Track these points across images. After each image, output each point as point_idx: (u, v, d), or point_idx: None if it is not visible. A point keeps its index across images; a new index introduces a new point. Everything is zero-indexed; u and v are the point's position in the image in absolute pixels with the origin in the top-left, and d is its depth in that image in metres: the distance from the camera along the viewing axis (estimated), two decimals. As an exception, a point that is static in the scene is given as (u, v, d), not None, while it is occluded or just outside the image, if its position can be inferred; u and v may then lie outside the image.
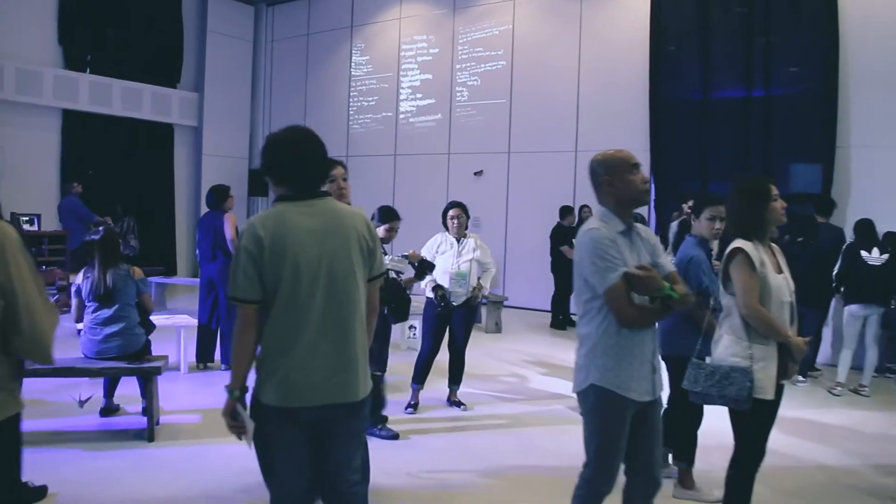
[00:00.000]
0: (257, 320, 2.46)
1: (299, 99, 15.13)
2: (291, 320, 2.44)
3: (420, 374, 5.79)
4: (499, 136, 12.18)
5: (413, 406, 5.79)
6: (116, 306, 4.88)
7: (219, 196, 7.25)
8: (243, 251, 2.43)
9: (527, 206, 11.80)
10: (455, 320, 5.78)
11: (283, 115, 15.46)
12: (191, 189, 15.14)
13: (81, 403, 5.18)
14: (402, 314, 4.84)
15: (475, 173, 12.43)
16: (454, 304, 5.69)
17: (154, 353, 5.26)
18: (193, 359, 7.09)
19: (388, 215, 5.10)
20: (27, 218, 9.78)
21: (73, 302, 4.95)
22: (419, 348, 5.94)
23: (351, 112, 14.32)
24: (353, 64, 14.34)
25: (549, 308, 10.46)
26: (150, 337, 5.27)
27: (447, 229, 5.87)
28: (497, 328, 9.59)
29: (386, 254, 4.96)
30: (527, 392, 6.68)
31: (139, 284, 5.01)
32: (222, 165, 15.20)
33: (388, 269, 4.71)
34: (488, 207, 12.16)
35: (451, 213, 5.81)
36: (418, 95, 13.31)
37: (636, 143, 10.30)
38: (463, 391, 6.15)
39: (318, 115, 14.71)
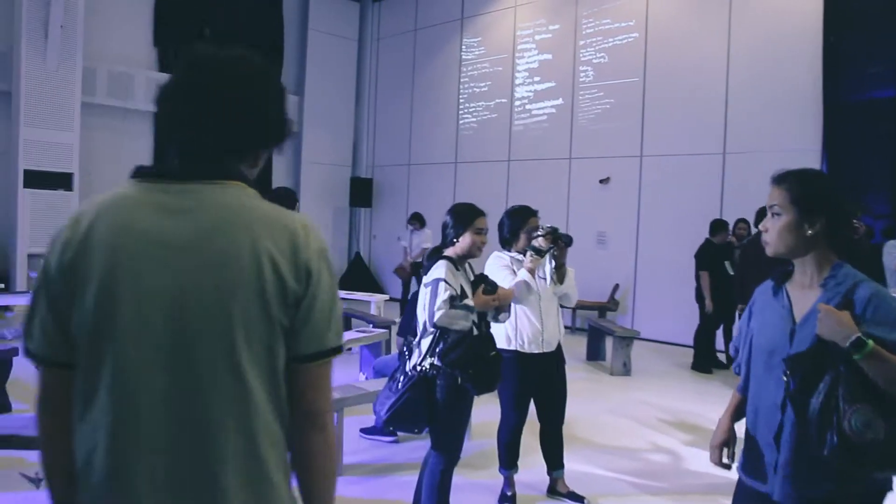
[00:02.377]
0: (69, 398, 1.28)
1: (405, 101, 13.81)
2: (98, 410, 1.24)
3: (509, 455, 4.10)
4: (628, 136, 10.26)
5: (511, 500, 4.10)
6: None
7: (289, 202, 5.87)
8: (40, 271, 1.31)
9: (663, 220, 9.81)
10: (545, 376, 4.05)
11: (388, 119, 14.22)
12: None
13: (38, 482, 3.79)
14: (486, 381, 3.23)
15: (601, 181, 10.58)
16: (535, 351, 3.97)
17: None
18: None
19: (467, 215, 3.47)
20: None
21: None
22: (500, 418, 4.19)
23: (461, 100, 12.72)
24: (463, 46, 12.80)
25: (690, 344, 8.48)
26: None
27: (512, 244, 4.07)
28: (625, 369, 7.74)
29: (472, 283, 3.38)
30: (669, 474, 4.83)
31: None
32: (323, 173, 14.13)
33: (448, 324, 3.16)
34: (615, 220, 10.30)
35: (532, 221, 4.05)
36: (536, 78, 11.55)
37: (805, 146, 8.26)
38: (575, 471, 4.42)
39: (426, 116, 13.34)
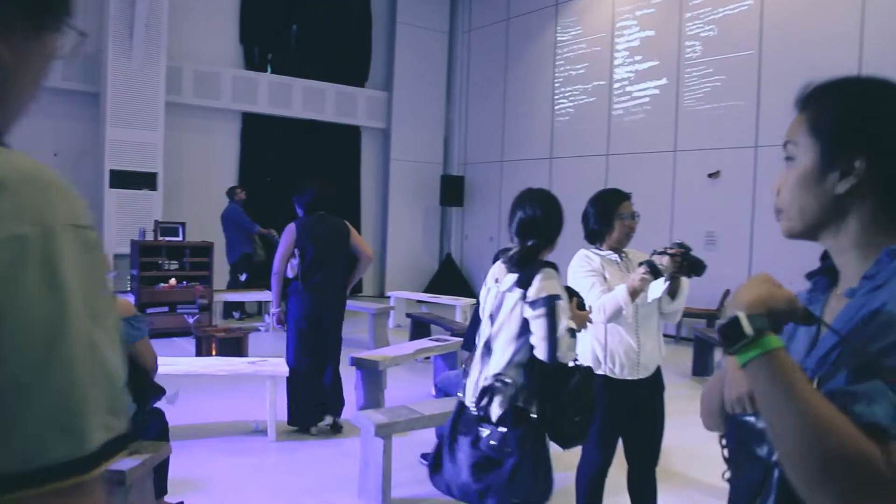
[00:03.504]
0: None
1: (498, 93, 13.10)
2: None
3: (590, 501, 3.33)
4: (741, 122, 9.15)
5: (587, 552, 3.34)
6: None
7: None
8: None
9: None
10: (639, 407, 3.21)
11: (480, 114, 13.56)
12: (378, 197, 13.73)
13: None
14: (577, 433, 2.59)
15: (710, 175, 9.54)
16: (629, 377, 3.15)
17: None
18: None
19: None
20: (172, 227, 8.66)
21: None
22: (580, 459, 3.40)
23: (556, 84, 11.82)
24: (558, 28, 11.91)
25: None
26: (161, 408, 3.42)
27: (603, 238, 3.24)
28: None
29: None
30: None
31: (124, 327, 3.10)
32: (412, 171, 13.62)
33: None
34: (726, 219, 9.24)
35: (624, 205, 3.25)
36: (637, 58, 10.53)
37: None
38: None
39: (519, 109, 12.59)
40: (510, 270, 2.66)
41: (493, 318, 2.67)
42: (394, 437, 3.75)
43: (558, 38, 11.90)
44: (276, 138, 12.26)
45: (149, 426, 3.23)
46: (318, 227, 5.07)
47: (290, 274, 5.04)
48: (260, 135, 12.13)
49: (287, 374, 4.93)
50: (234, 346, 6.75)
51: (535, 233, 2.71)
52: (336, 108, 12.87)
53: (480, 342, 2.74)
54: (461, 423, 2.63)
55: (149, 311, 8.28)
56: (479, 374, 2.63)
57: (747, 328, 0.96)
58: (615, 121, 10.84)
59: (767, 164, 8.87)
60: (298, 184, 5.34)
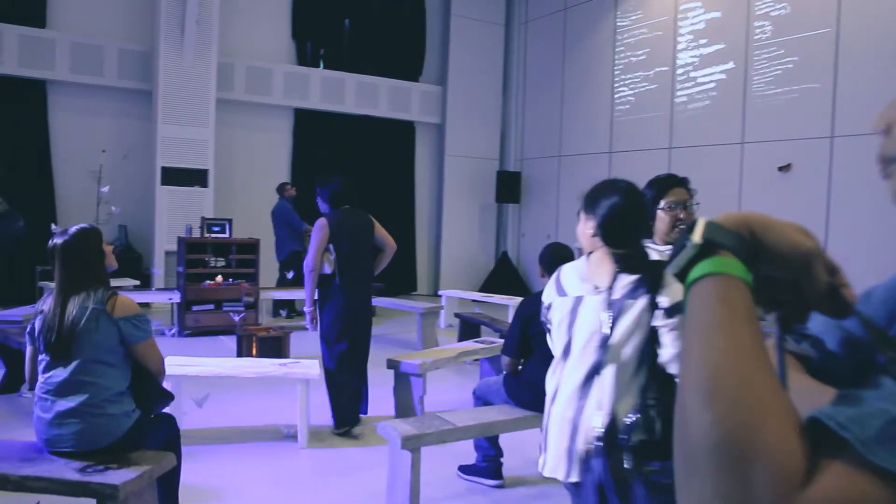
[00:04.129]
0: None
1: (555, 86, 12.64)
2: None
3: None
4: (815, 109, 8.47)
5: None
6: (75, 364, 2.79)
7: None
8: None
9: (859, 215, 7.99)
10: None
11: (537, 108, 13.13)
12: (433, 194, 13.45)
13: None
14: None
15: (780, 168, 8.90)
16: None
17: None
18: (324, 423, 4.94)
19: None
20: (219, 224, 8.53)
21: (27, 352, 2.96)
22: None
23: (616, 72, 11.25)
24: (618, 13, 11.34)
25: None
26: (171, 414, 3.17)
27: (651, 233, 2.73)
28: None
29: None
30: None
31: (125, 327, 2.86)
32: (468, 167, 13.29)
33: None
34: (799, 216, 8.55)
35: (674, 192, 2.80)
36: (702, 41, 9.87)
37: None
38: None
39: (578, 101, 12.10)
40: (624, 272, 2.22)
41: (601, 330, 2.21)
42: (430, 446, 3.43)
43: (618, 24, 11.36)
44: (329, 134, 12.10)
45: (154, 434, 2.98)
46: (347, 220, 4.86)
47: (328, 270, 4.75)
48: (312, 131, 11.99)
49: (319, 376, 4.65)
50: (275, 346, 6.52)
51: (647, 229, 2.31)
52: (389, 104, 12.63)
53: (575, 363, 2.27)
54: (617, 472, 2.09)
55: (194, 308, 8.17)
56: (602, 405, 2.13)
57: (696, 235, 0.66)
58: (678, 108, 10.24)
59: (844, 157, 8.22)
60: (322, 178, 5.07)
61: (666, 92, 10.40)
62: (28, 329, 2.88)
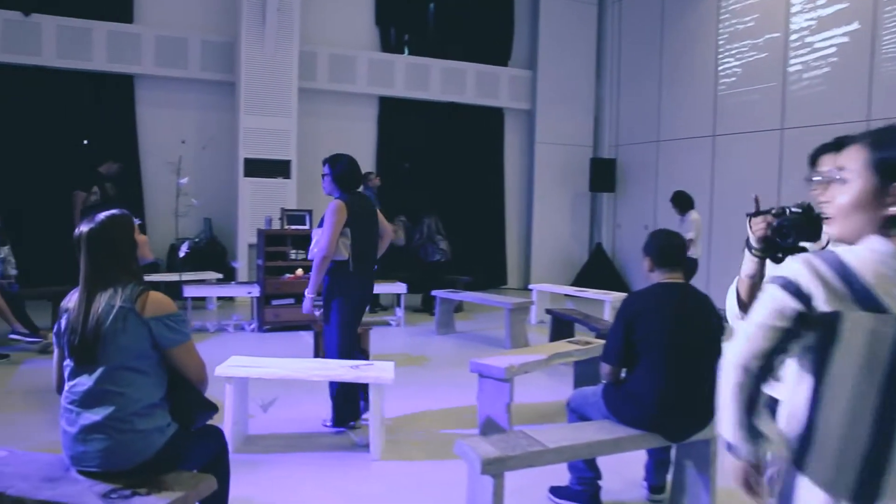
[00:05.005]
0: None
1: (653, 66, 11.80)
2: None
3: None
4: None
5: None
6: (100, 371, 2.40)
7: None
8: None
9: None
10: None
11: (634, 90, 12.32)
12: (523, 183, 12.86)
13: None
14: None
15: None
16: None
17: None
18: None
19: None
20: (298, 215, 8.22)
21: (55, 355, 2.58)
22: None
23: (721, 42, 10.22)
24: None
25: None
26: (217, 427, 2.75)
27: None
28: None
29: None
30: None
31: (157, 328, 2.44)
32: (559, 154, 12.64)
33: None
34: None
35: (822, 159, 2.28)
36: (820, 2, 8.89)
37: None
38: None
39: (678, 81, 11.24)
40: None
41: None
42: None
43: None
44: (414, 123, 11.70)
45: (195, 452, 2.56)
46: (359, 204, 4.51)
47: (344, 256, 4.37)
48: (397, 119, 11.62)
49: (393, 380, 4.18)
50: (353, 344, 6.12)
51: None
52: (477, 90, 12.12)
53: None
54: None
55: (274, 302, 7.90)
56: None
57: None
58: (791, 79, 9.21)
59: None
60: (330, 158, 4.63)
61: (777, 62, 9.41)
62: (55, 329, 2.52)
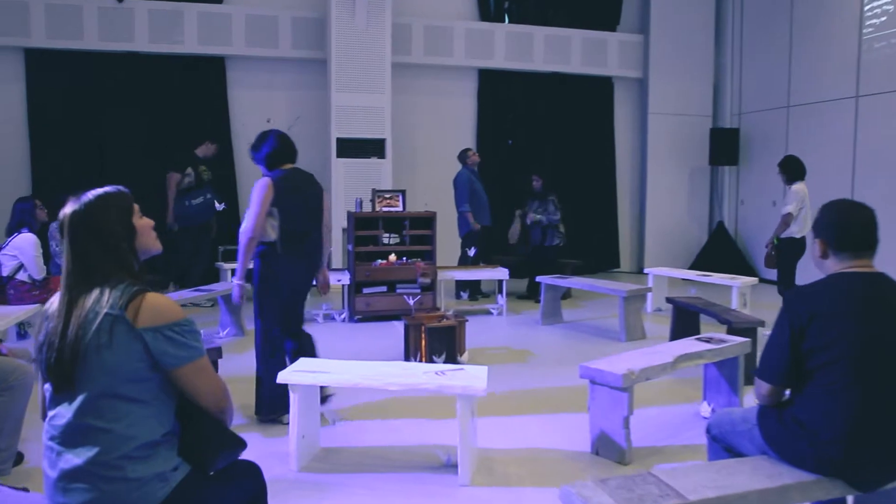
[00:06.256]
0: None
1: (781, 24, 10.50)
2: None
3: None
4: None
5: None
6: (80, 400, 1.82)
7: None
8: None
9: None
10: None
11: (758, 52, 11.09)
12: (635, 158, 11.88)
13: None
14: None
15: None
16: None
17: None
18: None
19: None
20: (389, 195, 7.64)
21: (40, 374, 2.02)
22: None
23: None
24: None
25: None
26: (254, 463, 2.15)
27: None
28: None
29: None
30: None
31: (155, 342, 1.84)
32: (675, 125, 11.57)
33: None
34: None
35: None
36: None
37: None
38: None
39: (811, 37, 9.94)
40: None
41: None
42: None
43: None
44: (516, 95, 10.96)
45: (222, 499, 1.96)
46: (291, 181, 4.16)
47: (273, 237, 4.03)
48: (498, 92, 10.90)
49: (485, 391, 3.50)
50: (447, 338, 5.50)
51: None
52: (583, 58, 11.20)
53: None
54: None
55: (365, 290, 7.38)
56: None
57: None
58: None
59: None
60: (255, 142, 4.31)
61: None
62: (36, 342, 1.97)
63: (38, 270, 5.82)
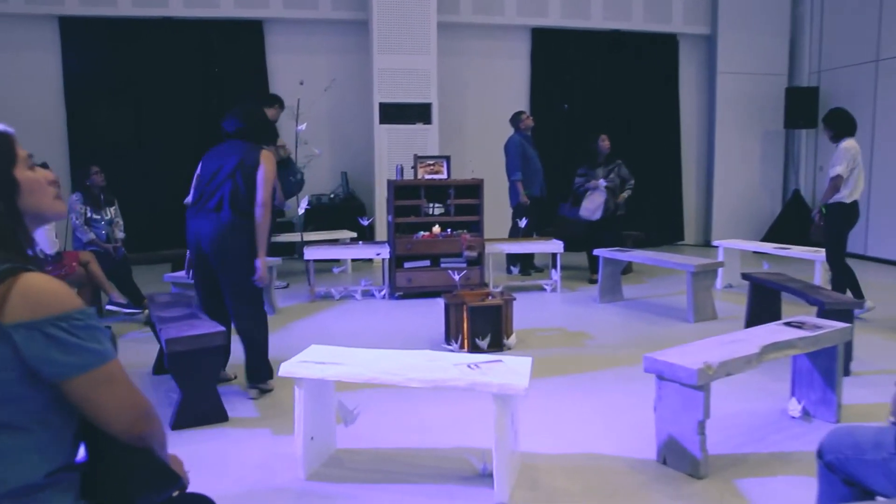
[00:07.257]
0: None
1: (871, -32, 9.47)
2: None
3: None
4: None
5: None
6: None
7: None
8: None
9: None
10: None
11: (841, 3, 10.03)
12: (702, 121, 11.03)
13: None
14: None
15: None
16: None
17: None
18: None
19: None
20: (432, 161, 7.03)
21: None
22: None
23: None
24: None
25: None
26: (206, 497, 1.60)
27: None
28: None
29: None
30: None
31: (28, 343, 1.23)
32: (746, 85, 10.68)
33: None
34: None
35: None
36: None
37: None
38: None
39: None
40: None
41: None
42: None
43: None
44: (572, 56, 10.22)
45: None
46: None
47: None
48: (552, 52, 10.17)
49: (526, 389, 2.90)
50: (492, 318, 4.92)
51: None
52: (645, 14, 10.35)
53: None
54: None
55: (407, 265, 6.83)
56: None
57: None
58: None
59: None
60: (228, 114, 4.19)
61: None
62: None
63: (48, 244, 5.45)
